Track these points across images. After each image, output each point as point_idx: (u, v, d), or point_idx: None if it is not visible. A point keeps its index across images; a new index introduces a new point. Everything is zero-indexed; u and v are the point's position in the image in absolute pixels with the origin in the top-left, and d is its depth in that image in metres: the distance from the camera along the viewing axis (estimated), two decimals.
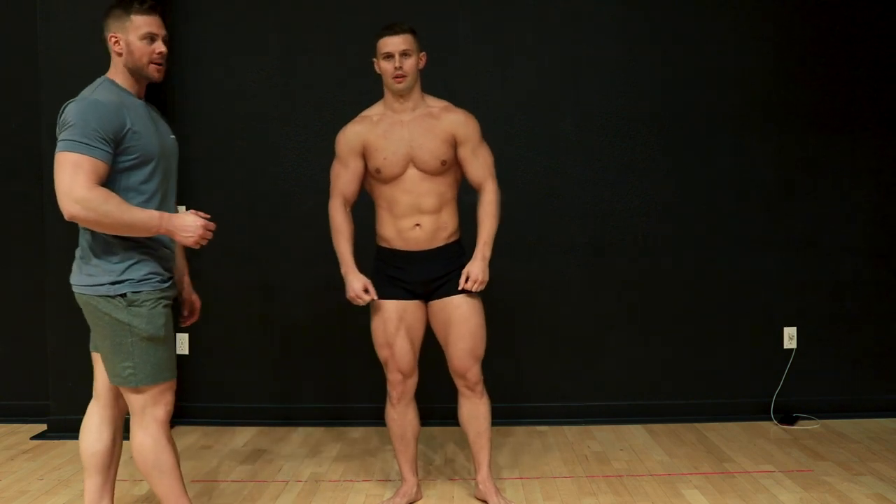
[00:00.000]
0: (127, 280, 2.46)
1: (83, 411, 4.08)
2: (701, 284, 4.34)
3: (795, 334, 4.34)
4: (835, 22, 4.30)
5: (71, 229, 4.07)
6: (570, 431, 4.18)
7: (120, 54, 2.50)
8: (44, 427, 4.23)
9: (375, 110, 3.10)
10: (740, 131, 4.32)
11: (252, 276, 4.35)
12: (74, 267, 2.56)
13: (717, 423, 4.24)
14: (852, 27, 4.30)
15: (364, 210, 3.21)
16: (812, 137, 4.32)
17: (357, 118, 3.11)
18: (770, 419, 4.26)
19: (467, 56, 4.30)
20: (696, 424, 4.24)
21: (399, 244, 3.08)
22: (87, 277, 2.49)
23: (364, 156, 3.06)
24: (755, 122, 4.32)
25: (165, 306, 2.54)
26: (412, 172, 3.01)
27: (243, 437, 4.15)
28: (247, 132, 4.35)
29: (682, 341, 4.35)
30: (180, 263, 2.84)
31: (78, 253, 2.55)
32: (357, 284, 3.02)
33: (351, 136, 3.07)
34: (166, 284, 2.56)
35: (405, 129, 3.02)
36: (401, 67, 2.94)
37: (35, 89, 4.17)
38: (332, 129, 4.27)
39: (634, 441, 3.99)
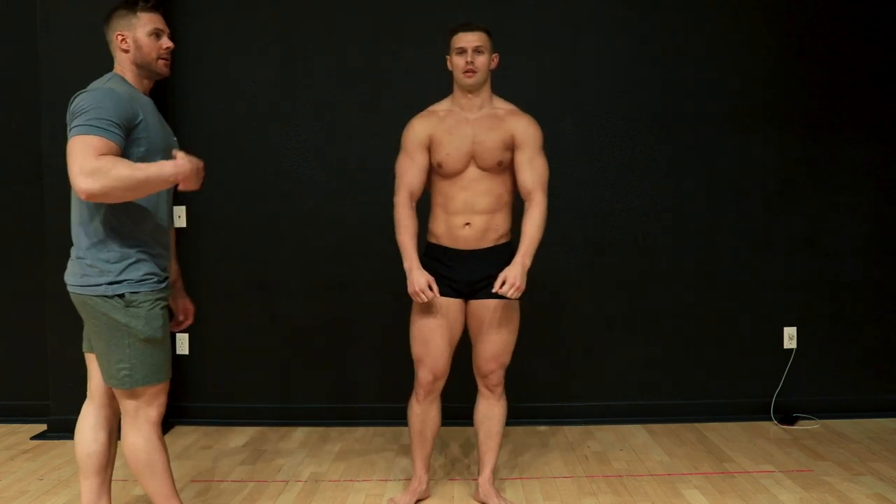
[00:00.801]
0: (125, 280, 2.45)
1: None
2: (701, 284, 4.34)
3: (795, 334, 4.34)
4: (835, 22, 4.30)
5: (71, 229, 4.09)
6: (570, 431, 4.18)
7: (127, 51, 2.53)
8: (44, 427, 4.23)
9: (443, 106, 3.12)
10: (740, 131, 4.32)
11: (252, 276, 4.35)
12: (70, 266, 2.55)
13: (717, 423, 4.24)
14: (852, 28, 4.30)
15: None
16: (812, 137, 4.32)
17: (424, 112, 3.13)
18: (770, 419, 4.26)
19: None
20: (696, 424, 4.24)
21: (448, 241, 3.08)
22: (83, 277, 2.48)
23: (429, 149, 3.06)
24: (755, 122, 4.32)
25: (163, 307, 2.54)
26: (472, 170, 3.03)
27: (243, 437, 4.15)
28: (247, 132, 4.35)
29: (682, 341, 4.35)
30: (173, 267, 2.84)
31: (74, 252, 2.54)
32: (422, 280, 2.94)
33: (418, 129, 3.08)
34: (163, 285, 2.56)
35: (470, 127, 3.03)
36: (472, 62, 2.96)
37: (35, 89, 4.18)
38: (332, 129, 4.32)
39: (634, 441, 3.99)
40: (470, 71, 2.97)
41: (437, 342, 3.06)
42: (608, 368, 4.36)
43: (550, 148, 4.27)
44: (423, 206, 3.13)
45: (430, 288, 2.94)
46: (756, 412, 4.32)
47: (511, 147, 3.03)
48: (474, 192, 3.02)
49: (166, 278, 2.60)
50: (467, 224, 3.03)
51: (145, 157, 2.45)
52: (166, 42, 2.56)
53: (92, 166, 2.26)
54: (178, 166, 2.37)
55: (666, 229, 4.33)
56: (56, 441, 4.06)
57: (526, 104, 4.27)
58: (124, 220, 2.47)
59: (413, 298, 2.98)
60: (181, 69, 4.32)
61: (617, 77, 4.32)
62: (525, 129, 3.05)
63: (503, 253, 3.07)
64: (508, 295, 2.89)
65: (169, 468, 2.57)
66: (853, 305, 4.35)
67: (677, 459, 3.69)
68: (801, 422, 4.22)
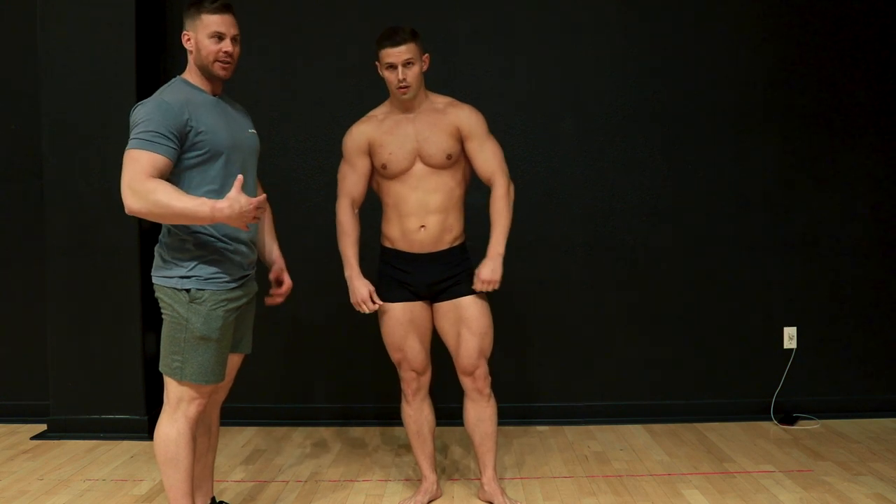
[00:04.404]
0: (194, 277, 2.53)
1: (83, 411, 4.13)
2: (701, 284, 4.34)
3: (795, 334, 4.34)
4: (835, 22, 4.30)
5: (71, 229, 4.12)
6: (570, 431, 4.18)
7: (191, 52, 2.59)
8: (44, 427, 4.22)
9: (381, 109, 3.12)
10: (740, 131, 4.32)
11: None
12: (154, 261, 2.64)
13: (717, 423, 4.24)
14: (852, 27, 4.30)
15: (370, 211, 3.21)
16: (812, 137, 4.32)
17: (363, 118, 3.13)
18: (770, 419, 4.26)
19: (467, 56, 4.30)
20: (696, 424, 4.24)
21: (403, 245, 3.08)
22: (162, 269, 2.58)
23: (370, 154, 3.07)
24: (755, 122, 4.32)
25: (228, 310, 2.58)
26: (419, 167, 3.03)
27: (243, 437, 4.15)
28: None
29: (682, 341, 4.35)
30: (268, 241, 2.94)
31: (157, 248, 2.63)
32: (363, 290, 3.04)
33: (357, 135, 3.09)
34: (235, 285, 2.60)
35: (411, 125, 3.03)
36: (404, 79, 2.94)
37: (35, 89, 4.18)
38: (332, 128, 4.31)
39: (634, 441, 3.99)
40: (404, 87, 2.96)
41: (410, 343, 3.10)
42: (608, 368, 4.35)
43: (550, 148, 4.33)
44: (377, 212, 3.17)
45: (372, 299, 3.03)
46: (756, 412, 4.31)
47: (458, 138, 3.04)
48: (425, 190, 3.02)
49: (244, 277, 2.64)
50: (422, 227, 3.04)
51: (207, 161, 2.51)
52: (226, 46, 2.57)
53: (136, 186, 2.37)
54: (215, 210, 2.36)
55: (666, 229, 4.33)
56: (56, 441, 4.05)
57: (527, 104, 4.31)
58: None
59: (355, 308, 3.05)
60: (181, 70, 4.32)
61: (616, 77, 4.32)
62: (468, 118, 3.05)
63: (457, 254, 3.11)
64: (486, 290, 3.01)
65: (192, 468, 2.59)
66: (853, 305, 4.35)
67: (677, 459, 3.69)
68: (801, 422, 4.22)
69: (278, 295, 2.97)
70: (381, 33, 3.00)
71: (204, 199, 2.39)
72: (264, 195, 2.47)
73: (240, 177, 2.41)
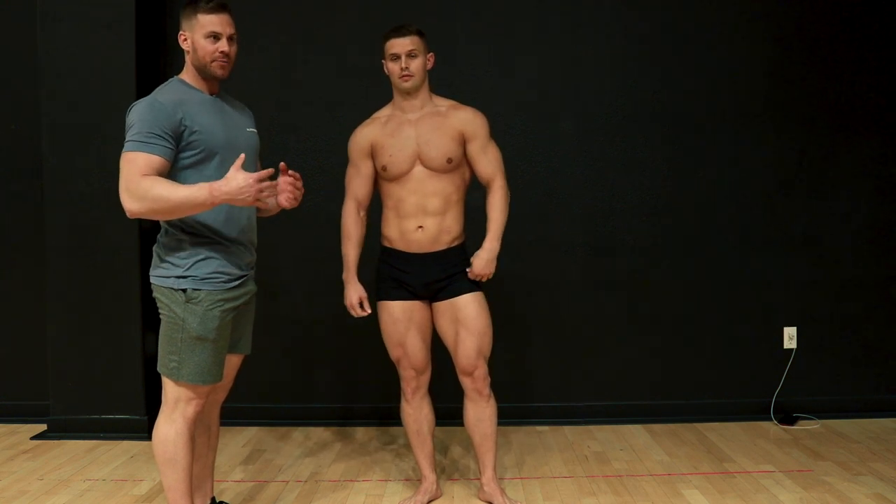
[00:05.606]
0: (190, 276, 2.52)
1: (83, 411, 4.13)
2: (701, 284, 4.34)
3: (795, 334, 4.34)
4: (834, 22, 4.30)
5: (71, 229, 4.12)
6: (570, 431, 4.18)
7: (188, 52, 2.59)
8: (44, 427, 4.22)
9: (384, 112, 3.14)
10: (740, 131, 4.32)
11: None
12: (153, 260, 2.64)
13: (717, 423, 4.24)
14: (852, 27, 4.30)
15: (370, 212, 3.22)
16: (812, 137, 4.32)
17: (367, 120, 3.15)
18: (770, 419, 4.26)
19: (467, 56, 4.30)
20: (696, 424, 4.24)
21: (401, 245, 3.09)
22: (160, 269, 2.58)
23: (372, 155, 3.09)
24: (755, 121, 4.32)
25: (225, 310, 2.57)
26: (419, 170, 3.04)
27: (243, 437, 4.15)
28: None
29: (682, 341, 4.35)
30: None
31: (154, 248, 2.63)
32: (353, 296, 3.10)
33: (360, 137, 3.12)
34: (233, 284, 2.60)
35: (412, 128, 3.05)
36: (407, 68, 2.97)
37: (35, 89, 4.17)
38: (332, 128, 4.32)
39: (634, 441, 3.99)
40: (406, 76, 2.99)
41: (411, 341, 3.11)
42: (608, 368, 4.36)
43: (550, 148, 4.33)
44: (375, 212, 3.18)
45: (363, 306, 3.08)
46: (756, 412, 4.31)
47: (461, 141, 3.05)
48: (423, 193, 3.04)
49: (242, 276, 2.64)
50: (420, 228, 3.05)
51: (203, 161, 2.51)
52: (223, 46, 2.56)
53: (132, 187, 2.37)
54: (213, 191, 2.37)
55: (665, 229, 4.33)
56: (56, 441, 4.05)
57: (527, 104, 4.31)
58: (188, 219, 2.52)
59: (349, 310, 3.09)
60: (181, 70, 4.32)
61: (617, 77, 4.32)
62: (471, 121, 3.07)
63: (456, 255, 3.11)
64: (475, 278, 3.05)
65: (191, 467, 2.60)
66: (853, 305, 4.35)
67: (677, 459, 3.69)
68: (801, 422, 4.22)
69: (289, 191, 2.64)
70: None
71: (202, 184, 2.40)
72: (270, 170, 2.44)
73: (242, 155, 2.41)
